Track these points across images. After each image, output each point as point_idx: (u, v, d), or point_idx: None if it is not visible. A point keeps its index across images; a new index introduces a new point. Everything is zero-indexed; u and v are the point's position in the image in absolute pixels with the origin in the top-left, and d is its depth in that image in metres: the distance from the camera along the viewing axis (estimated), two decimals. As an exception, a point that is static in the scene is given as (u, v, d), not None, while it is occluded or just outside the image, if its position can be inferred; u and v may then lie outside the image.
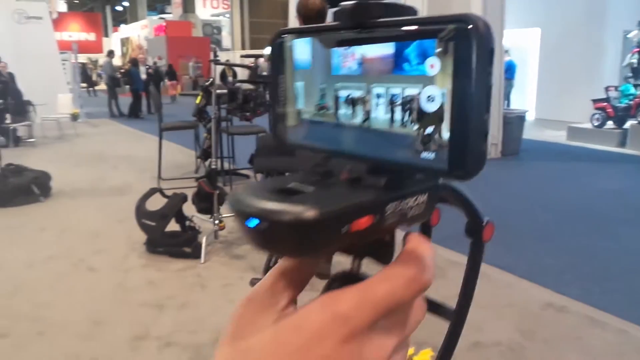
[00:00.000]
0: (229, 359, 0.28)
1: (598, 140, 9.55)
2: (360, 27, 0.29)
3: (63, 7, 31.96)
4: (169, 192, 4.22)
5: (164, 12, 36.13)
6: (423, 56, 0.27)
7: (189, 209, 4.21)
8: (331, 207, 0.26)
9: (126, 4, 38.53)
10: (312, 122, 0.33)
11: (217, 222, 4.11)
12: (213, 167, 4.16)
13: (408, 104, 0.28)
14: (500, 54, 8.18)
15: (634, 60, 10.12)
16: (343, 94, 0.31)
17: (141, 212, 4.10)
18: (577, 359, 2.69)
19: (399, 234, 0.32)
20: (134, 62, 15.58)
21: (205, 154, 6.19)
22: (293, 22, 4.34)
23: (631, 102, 9.50)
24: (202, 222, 4.27)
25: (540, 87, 13.59)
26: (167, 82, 19.55)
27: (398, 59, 0.28)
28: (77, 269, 3.88)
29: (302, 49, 0.33)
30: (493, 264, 3.84)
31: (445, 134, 0.26)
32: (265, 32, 28.01)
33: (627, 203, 5.76)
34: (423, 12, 6.93)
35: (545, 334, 2.91)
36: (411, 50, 0.27)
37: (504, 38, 8.32)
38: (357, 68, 0.30)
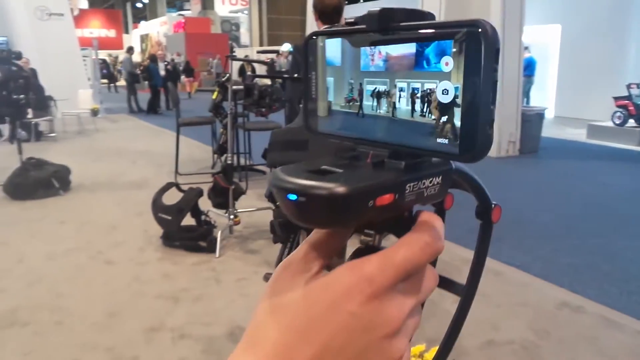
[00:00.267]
0: (267, 312, 0.32)
1: (619, 138, 9.37)
2: (385, 29, 0.33)
3: (84, 4, 32.37)
4: (185, 187, 4.27)
5: (183, 9, 36.42)
6: (440, 55, 0.31)
7: (204, 203, 4.25)
8: (359, 185, 0.30)
9: (146, 0, 38.92)
10: (341, 113, 0.38)
11: (232, 217, 4.14)
12: (229, 162, 4.19)
13: (426, 96, 0.32)
14: (519, 50, 8.06)
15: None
16: (370, 87, 0.35)
17: (158, 206, 4.16)
18: (592, 359, 2.66)
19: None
20: (153, 59, 15.73)
21: (221, 150, 6.23)
22: (311, 18, 4.36)
23: (654, 100, 9.32)
24: (218, 216, 4.31)
25: (561, 84, 13.37)
26: (183, 78, 19.69)
27: (419, 58, 0.32)
28: (95, 262, 3.95)
29: (333, 48, 0.37)
30: (508, 263, 3.81)
31: (457, 122, 0.30)
32: (284, 29, 28.06)
33: (648, 203, 5.66)
34: (441, 8, 6.84)
35: (560, 334, 2.88)
36: (430, 50, 0.31)
37: (524, 34, 8.20)
38: (383, 65, 0.34)
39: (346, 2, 3.15)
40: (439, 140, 0.31)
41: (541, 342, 2.79)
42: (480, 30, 0.29)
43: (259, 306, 0.33)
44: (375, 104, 0.35)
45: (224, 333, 2.88)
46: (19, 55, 10.74)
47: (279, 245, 3.43)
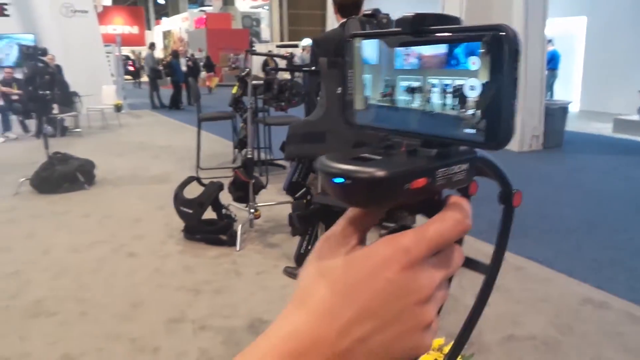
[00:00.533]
0: (312, 272, 0.36)
1: (646, 132, 9.15)
2: (418, 32, 0.37)
3: (107, 1, 32.77)
4: (206, 181, 4.31)
5: (204, 5, 36.61)
6: (468, 55, 0.34)
7: (225, 197, 4.29)
8: (396, 169, 0.34)
9: (168, -3, 39.21)
10: (377, 107, 0.41)
11: (252, 210, 4.17)
12: (249, 156, 4.22)
13: (456, 92, 0.36)
14: (542, 44, 7.90)
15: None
16: (404, 84, 0.39)
17: (179, 199, 4.21)
18: (615, 355, 2.61)
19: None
20: (175, 54, 15.90)
21: (241, 144, 6.27)
22: (331, 12, 4.36)
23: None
24: (238, 210, 4.35)
25: (586, 78, 13.08)
26: (204, 73, 19.82)
27: (449, 57, 0.36)
28: (118, 254, 4.03)
29: (370, 48, 0.41)
30: (531, 258, 3.76)
31: (483, 115, 0.34)
32: (304, 24, 28.00)
33: (676, 198, 5.51)
34: (462, 7, 6.76)
35: (582, 329, 2.84)
36: (460, 50, 0.35)
37: (548, 27, 8.04)
38: (416, 63, 0.38)
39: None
40: (466, 130, 0.35)
41: (563, 337, 2.75)
42: (503, 33, 0.33)
43: (305, 271, 0.37)
44: (409, 98, 0.39)
45: (244, 325, 2.91)
46: (44, 52, 10.88)
47: (297, 239, 3.45)
